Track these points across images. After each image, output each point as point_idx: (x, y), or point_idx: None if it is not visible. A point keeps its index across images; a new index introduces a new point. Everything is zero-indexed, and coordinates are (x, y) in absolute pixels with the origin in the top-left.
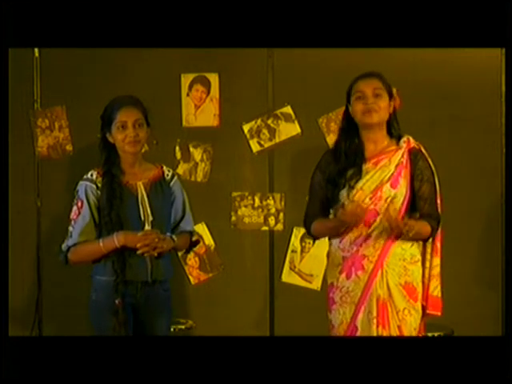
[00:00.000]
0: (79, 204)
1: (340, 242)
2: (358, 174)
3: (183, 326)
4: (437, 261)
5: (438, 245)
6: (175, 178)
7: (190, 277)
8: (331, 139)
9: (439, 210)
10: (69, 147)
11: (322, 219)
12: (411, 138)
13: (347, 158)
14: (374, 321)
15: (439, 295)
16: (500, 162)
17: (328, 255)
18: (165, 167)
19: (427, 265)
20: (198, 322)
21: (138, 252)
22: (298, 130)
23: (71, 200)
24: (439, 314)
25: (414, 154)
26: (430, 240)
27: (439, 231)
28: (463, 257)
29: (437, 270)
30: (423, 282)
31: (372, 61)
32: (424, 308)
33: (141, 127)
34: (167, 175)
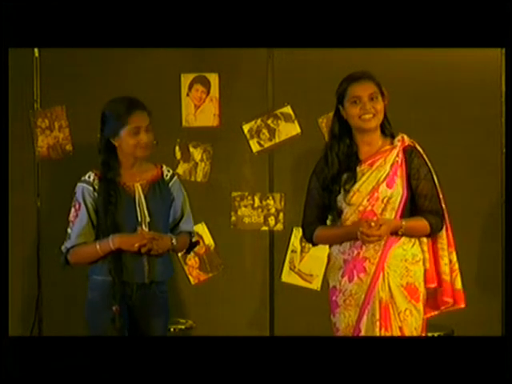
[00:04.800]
0: (77, 206)
1: (340, 244)
2: (353, 178)
3: (183, 326)
4: (454, 254)
5: (451, 237)
6: (175, 178)
7: (190, 277)
8: None
9: (443, 204)
10: (69, 147)
11: (327, 227)
12: (405, 136)
13: (340, 163)
14: (377, 323)
15: (460, 287)
16: (500, 161)
17: (329, 258)
18: (165, 167)
19: (446, 261)
20: (198, 321)
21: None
22: (298, 130)
23: (70, 201)
24: (463, 305)
25: (408, 153)
26: (444, 235)
27: (448, 224)
28: (463, 257)
29: (457, 264)
30: (444, 280)
31: (372, 61)
32: (453, 304)
33: (150, 132)
34: (166, 175)
